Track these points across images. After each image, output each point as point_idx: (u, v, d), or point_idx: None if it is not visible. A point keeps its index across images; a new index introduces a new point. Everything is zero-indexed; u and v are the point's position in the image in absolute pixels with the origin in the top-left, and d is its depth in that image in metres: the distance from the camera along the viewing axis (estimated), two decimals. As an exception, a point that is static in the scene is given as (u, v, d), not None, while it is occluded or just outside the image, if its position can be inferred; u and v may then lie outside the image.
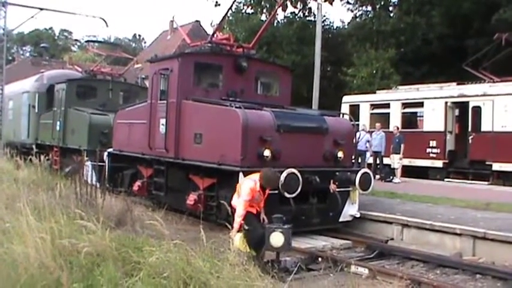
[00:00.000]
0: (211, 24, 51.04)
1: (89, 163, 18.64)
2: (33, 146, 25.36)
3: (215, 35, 17.06)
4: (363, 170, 14.38)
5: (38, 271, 6.99)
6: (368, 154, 24.91)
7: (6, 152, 22.88)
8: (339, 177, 13.88)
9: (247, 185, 10.26)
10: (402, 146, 24.00)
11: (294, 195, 12.43)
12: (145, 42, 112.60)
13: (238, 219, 10.00)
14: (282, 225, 9.54)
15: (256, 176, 10.47)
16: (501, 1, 37.71)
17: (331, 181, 13.64)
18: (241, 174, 12.24)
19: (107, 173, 17.87)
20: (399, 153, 24.08)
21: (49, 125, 25.50)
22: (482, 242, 12.35)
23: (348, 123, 15.68)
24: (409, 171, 26.25)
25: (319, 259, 11.38)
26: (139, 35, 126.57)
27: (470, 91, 25.72)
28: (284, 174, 12.20)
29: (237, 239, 9.10)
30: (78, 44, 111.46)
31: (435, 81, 29.23)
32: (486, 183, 23.98)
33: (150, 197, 16.97)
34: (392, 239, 14.05)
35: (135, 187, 17.17)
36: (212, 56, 15.86)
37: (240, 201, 10.17)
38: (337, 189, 13.72)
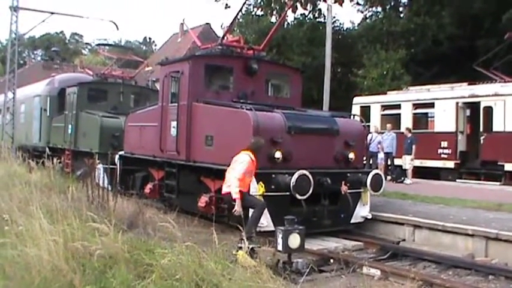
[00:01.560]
0: (221, 26, 51.09)
1: (100, 166, 18.71)
2: (46, 149, 25.44)
3: (225, 38, 17.11)
4: (374, 172, 14.38)
5: (51, 274, 7.03)
6: (380, 155, 24.87)
7: (19, 156, 22.94)
8: (350, 178, 13.87)
9: (245, 158, 11.02)
10: (414, 147, 23.91)
11: (305, 197, 12.44)
12: (155, 45, 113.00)
13: (236, 189, 10.79)
14: (296, 226, 9.62)
15: (246, 153, 11.19)
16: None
17: (343, 182, 13.61)
18: (252, 177, 12.29)
19: (118, 176, 17.94)
20: (411, 154, 23.98)
21: (61, 129, 25.63)
22: (494, 242, 12.28)
23: (359, 124, 15.66)
24: (421, 172, 26.16)
25: (331, 260, 11.36)
26: (149, 38, 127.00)
27: (481, 91, 25.60)
28: (295, 176, 12.24)
29: (241, 257, 9.11)
30: (89, 47, 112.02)
31: (446, 81, 29.10)
32: (498, 183, 23.86)
33: (161, 200, 17.02)
34: (404, 240, 14.04)
35: (147, 190, 17.22)
36: (223, 58, 15.91)
37: (238, 173, 10.92)
38: (349, 191, 13.69)
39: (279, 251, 9.64)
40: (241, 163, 10.96)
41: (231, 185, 10.89)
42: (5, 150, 24.56)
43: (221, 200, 13.07)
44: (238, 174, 10.85)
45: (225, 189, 11.24)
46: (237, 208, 10.81)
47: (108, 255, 7.52)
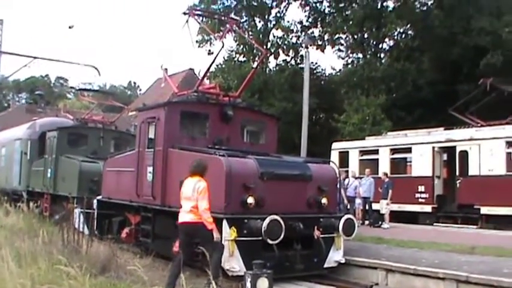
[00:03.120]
0: (199, 72, 51.59)
1: (77, 210, 18.79)
2: (24, 193, 25.44)
3: (202, 84, 17.39)
4: (346, 216, 14.48)
5: (17, 317, 7.12)
6: (357, 200, 25.09)
7: (-3, 200, 22.98)
8: (322, 223, 14.00)
9: (205, 185, 11.14)
10: (390, 191, 24.14)
11: (277, 241, 12.52)
12: (140, 90, 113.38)
13: (211, 219, 11.03)
14: (264, 271, 9.75)
15: (197, 178, 11.29)
16: (489, 46, 38.36)
17: (315, 227, 13.76)
18: (225, 222, 12.43)
19: (95, 220, 17.99)
20: (387, 199, 24.20)
21: (40, 172, 25.64)
22: (465, 285, 12.39)
23: (332, 169, 15.81)
24: (399, 217, 26.34)
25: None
26: (134, 83, 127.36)
27: (457, 136, 26.05)
28: (267, 221, 12.35)
29: None
30: (74, 91, 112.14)
31: (427, 125, 29.55)
32: (475, 227, 24.09)
33: (138, 244, 17.00)
34: (377, 284, 14.10)
35: (123, 234, 17.23)
36: (198, 105, 16.12)
37: (206, 201, 10.99)
38: (322, 236, 13.82)
39: (248, 295, 9.76)
40: (205, 193, 11.03)
41: (203, 216, 10.95)
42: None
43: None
44: (206, 204, 10.95)
45: (187, 218, 11.25)
46: (216, 235, 10.99)
47: (75, 298, 7.62)
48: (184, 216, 11.25)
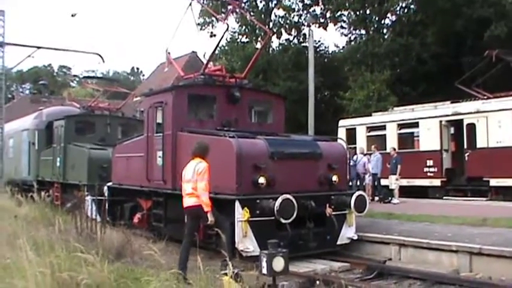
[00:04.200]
0: (203, 55, 51.52)
1: (89, 198, 18.85)
2: (34, 183, 25.56)
3: (208, 67, 17.37)
4: (357, 193, 14.56)
5: (39, 305, 7.19)
6: (367, 177, 25.10)
7: (8, 190, 23.05)
8: (334, 200, 14.10)
9: (204, 166, 11.11)
10: (399, 166, 24.14)
11: (289, 220, 12.61)
12: (143, 75, 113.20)
13: (208, 201, 11.01)
14: (280, 250, 9.80)
15: (198, 160, 11.29)
16: (492, 18, 38.13)
17: (327, 205, 13.85)
18: (237, 203, 12.50)
19: (107, 207, 18.06)
20: (396, 174, 24.21)
21: (49, 162, 25.75)
22: (478, 257, 12.48)
23: (341, 147, 15.85)
24: (409, 192, 26.38)
25: (317, 282, 11.52)
26: (137, 68, 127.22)
27: (464, 109, 26.01)
28: (279, 200, 12.42)
29: (226, 281, 9.26)
30: (77, 79, 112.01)
31: (432, 100, 29.42)
32: (484, 199, 24.12)
33: (150, 229, 17.07)
34: (390, 259, 14.18)
35: (135, 219, 17.31)
36: (205, 88, 16.13)
37: (205, 183, 11.01)
38: (334, 213, 13.90)
39: (264, 274, 9.79)
40: (204, 174, 11.04)
41: (201, 197, 11.00)
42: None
43: (209, 226, 13.21)
44: (204, 186, 10.99)
45: (190, 203, 11.26)
46: (211, 218, 11.01)
47: (95, 284, 7.67)
48: (187, 201, 11.30)
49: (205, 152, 11.52)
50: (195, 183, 11.06)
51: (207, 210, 10.95)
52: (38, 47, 32.04)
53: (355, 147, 27.64)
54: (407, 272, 12.48)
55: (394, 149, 25.37)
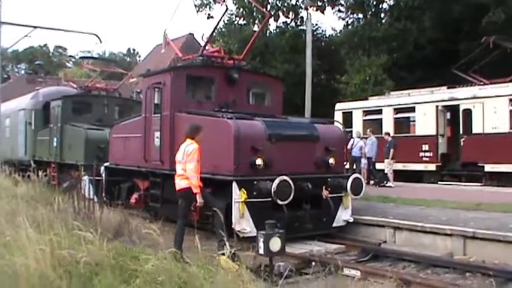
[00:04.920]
0: (202, 37, 51.43)
1: (86, 178, 18.92)
2: (31, 163, 25.60)
3: (206, 48, 17.39)
4: (354, 176, 14.68)
5: (39, 281, 7.22)
6: (363, 160, 25.22)
7: (5, 169, 23.09)
8: (331, 183, 14.19)
9: (194, 147, 11.25)
10: (391, 150, 24.26)
11: (286, 202, 12.70)
12: (139, 56, 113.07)
13: (197, 182, 11.14)
14: (277, 230, 9.90)
15: (189, 142, 11.44)
16: (490, 4, 38.07)
17: (324, 187, 13.94)
18: (234, 184, 12.60)
19: (104, 187, 18.14)
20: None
21: (46, 142, 25.81)
22: (472, 241, 12.58)
23: (339, 130, 15.95)
24: (404, 176, 26.54)
25: (313, 263, 11.58)
26: (133, 49, 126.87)
27: (460, 94, 26.11)
28: (276, 182, 12.50)
29: (223, 261, 9.36)
30: (73, 60, 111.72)
31: (429, 85, 29.51)
32: (479, 184, 24.27)
33: (147, 209, 17.20)
34: (385, 242, 14.29)
35: (132, 200, 17.44)
36: (203, 69, 16.17)
37: (195, 164, 11.13)
38: (330, 195, 14.02)
39: (261, 254, 9.90)
40: (193, 155, 11.14)
41: (190, 179, 11.12)
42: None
43: (205, 207, 13.28)
44: (194, 167, 11.09)
45: (182, 185, 11.36)
46: (200, 200, 11.16)
47: (94, 262, 7.73)
48: (179, 183, 11.43)
49: (196, 133, 11.61)
50: (185, 165, 11.18)
51: (195, 192, 11.06)
52: (35, 27, 31.80)
53: (351, 131, 27.71)
54: (402, 254, 12.60)
55: (388, 134, 25.49)
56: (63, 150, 23.98)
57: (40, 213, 10.43)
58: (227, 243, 9.05)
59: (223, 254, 9.25)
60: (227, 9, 16.89)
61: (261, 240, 9.74)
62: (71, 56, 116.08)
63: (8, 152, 30.23)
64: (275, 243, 9.69)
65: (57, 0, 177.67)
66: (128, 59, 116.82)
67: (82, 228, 8.77)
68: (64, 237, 8.43)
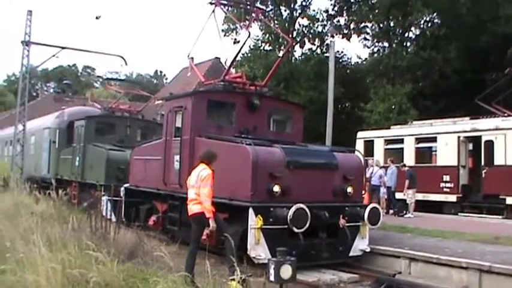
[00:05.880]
0: (225, 62, 51.79)
1: (105, 198, 19.05)
2: (53, 181, 25.83)
3: (229, 73, 17.51)
4: (371, 205, 14.61)
5: (49, 299, 7.34)
6: (382, 189, 25.09)
7: (27, 187, 23.35)
8: (348, 212, 14.14)
9: (208, 172, 11.24)
10: (407, 181, 24.18)
11: (302, 230, 12.67)
12: (166, 79, 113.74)
13: (210, 207, 11.12)
14: (288, 258, 9.90)
15: (202, 167, 11.45)
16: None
17: (341, 216, 13.90)
18: (251, 210, 12.61)
19: (123, 208, 18.25)
20: (411, 188, 24.18)
21: (69, 161, 26.07)
22: (488, 275, 12.42)
23: (357, 158, 15.89)
24: (424, 206, 26.30)
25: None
26: (160, 72, 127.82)
27: (482, 125, 25.93)
28: (293, 209, 12.49)
29: (233, 287, 9.38)
30: (101, 80, 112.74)
31: (453, 115, 29.37)
32: (500, 217, 24.00)
33: (165, 232, 17.26)
34: (400, 272, 14.14)
35: (151, 222, 17.50)
36: (225, 94, 16.27)
37: (208, 189, 11.10)
38: (347, 224, 13.96)
39: (271, 281, 9.89)
40: (207, 180, 11.16)
41: (203, 203, 11.12)
42: (14, 181, 24.99)
43: (219, 232, 13.32)
44: (207, 192, 11.09)
45: (195, 210, 11.36)
46: (212, 225, 11.13)
47: (104, 282, 7.82)
48: (192, 208, 11.42)
49: (211, 160, 11.65)
50: (198, 189, 11.21)
51: (208, 217, 11.07)
52: (63, 47, 32.35)
53: (372, 160, 27.59)
54: (416, 286, 12.51)
55: (405, 165, 25.39)
56: (84, 169, 24.20)
57: (55, 231, 10.53)
58: (237, 268, 9.07)
59: (234, 280, 9.26)
60: (249, 35, 16.95)
61: (272, 267, 9.74)
62: (98, 76, 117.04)
63: (31, 169, 30.60)
64: (286, 271, 9.68)
65: (85, 22, 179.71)
66: (155, 81, 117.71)
67: (95, 248, 8.86)
68: (76, 257, 8.53)
